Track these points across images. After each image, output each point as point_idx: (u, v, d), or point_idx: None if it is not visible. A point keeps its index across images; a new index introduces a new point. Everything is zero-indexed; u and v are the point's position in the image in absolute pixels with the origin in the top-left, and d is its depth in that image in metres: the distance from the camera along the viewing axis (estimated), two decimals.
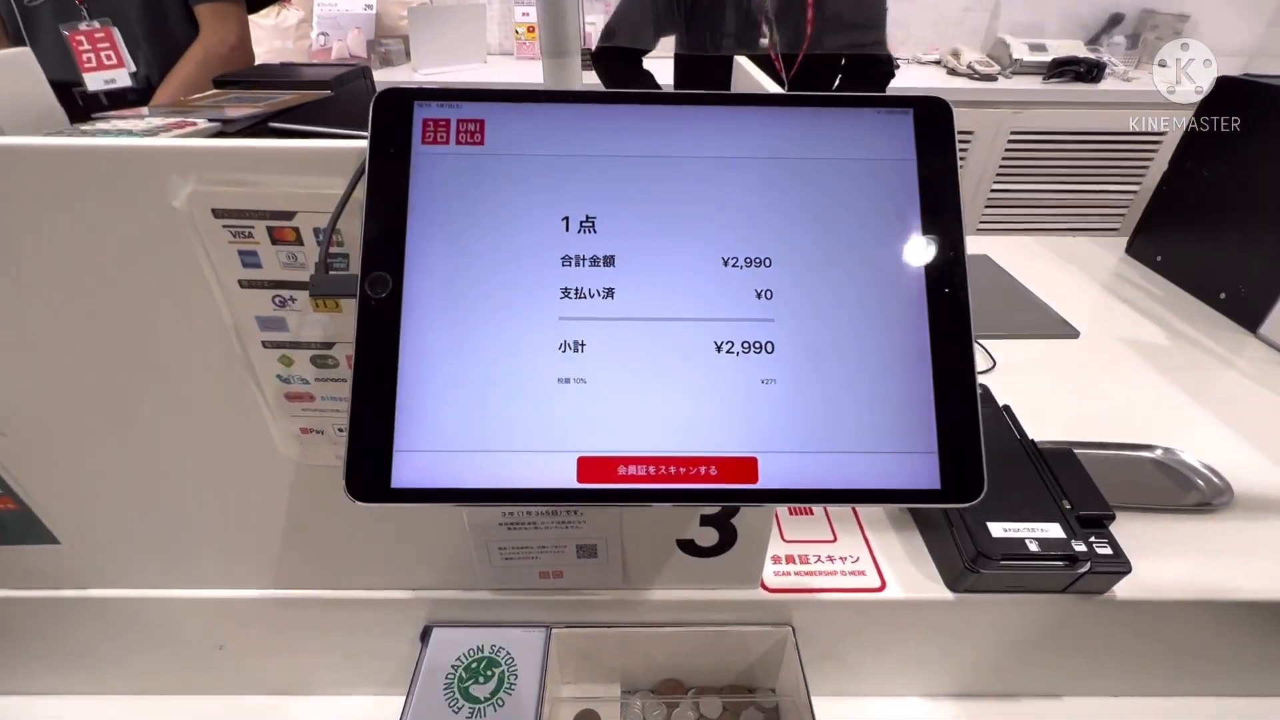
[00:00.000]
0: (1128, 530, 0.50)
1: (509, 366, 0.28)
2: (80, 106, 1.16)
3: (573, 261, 0.29)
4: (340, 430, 0.40)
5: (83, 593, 0.51)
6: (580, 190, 0.29)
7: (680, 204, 0.29)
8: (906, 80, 2.01)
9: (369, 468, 0.27)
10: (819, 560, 0.54)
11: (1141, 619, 0.51)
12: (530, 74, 2.01)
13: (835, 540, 0.55)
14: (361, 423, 0.27)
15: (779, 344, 0.28)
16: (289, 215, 0.33)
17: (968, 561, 0.49)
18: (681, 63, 1.46)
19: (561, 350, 0.28)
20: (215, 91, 0.74)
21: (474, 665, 0.50)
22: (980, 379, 0.57)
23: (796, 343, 0.28)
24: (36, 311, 0.36)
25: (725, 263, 0.29)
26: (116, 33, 1.17)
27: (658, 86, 1.46)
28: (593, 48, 1.44)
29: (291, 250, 0.34)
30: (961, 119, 0.30)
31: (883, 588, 0.51)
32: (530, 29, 2.29)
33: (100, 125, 0.54)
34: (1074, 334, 0.87)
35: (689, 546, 0.48)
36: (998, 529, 0.50)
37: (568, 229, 0.29)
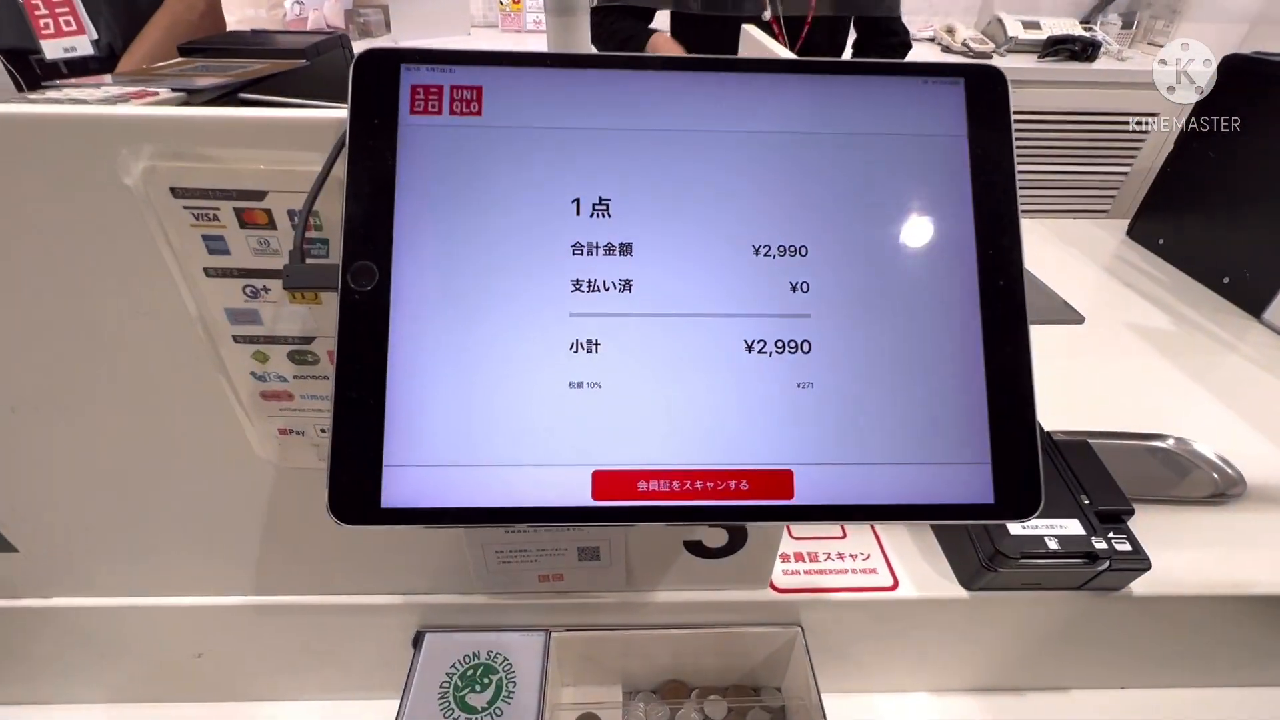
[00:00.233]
0: (1142, 523, 0.49)
1: (513, 369, 0.25)
2: (39, 76, 1.09)
3: (585, 250, 0.25)
4: (323, 431, 0.37)
5: (46, 602, 0.47)
6: (593, 168, 0.26)
7: (706, 185, 0.26)
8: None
9: (355, 485, 0.24)
10: (829, 558, 0.52)
11: (1157, 614, 0.51)
12: (516, 47, 1.94)
13: (845, 537, 0.53)
14: (346, 434, 0.24)
15: (816, 343, 0.25)
16: (259, 195, 0.29)
17: (985, 560, 0.47)
18: (680, 28, 1.37)
19: (573, 351, 0.25)
20: (180, 60, 0.69)
21: (470, 673, 0.47)
22: None
23: (836, 341, 0.25)
24: None
25: (756, 251, 0.25)
26: None
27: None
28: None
29: (263, 235, 0.30)
30: None
31: (895, 586, 0.50)
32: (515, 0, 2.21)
33: (50, 94, 0.49)
34: (1079, 319, 0.85)
35: (696, 547, 0.46)
36: (1015, 526, 0.48)
37: (579, 212, 0.25)
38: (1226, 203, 0.92)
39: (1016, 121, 0.26)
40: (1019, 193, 0.25)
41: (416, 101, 0.26)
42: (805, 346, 0.25)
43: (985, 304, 0.25)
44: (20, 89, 0.54)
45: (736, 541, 0.45)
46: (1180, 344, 0.82)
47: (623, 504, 0.24)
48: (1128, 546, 0.48)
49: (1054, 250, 1.05)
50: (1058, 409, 0.60)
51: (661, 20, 1.36)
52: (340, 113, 0.26)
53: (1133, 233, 1.07)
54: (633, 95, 0.26)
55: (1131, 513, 0.50)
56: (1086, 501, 0.50)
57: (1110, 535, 0.48)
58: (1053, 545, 0.47)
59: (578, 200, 0.26)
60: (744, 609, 0.50)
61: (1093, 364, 0.78)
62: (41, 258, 0.30)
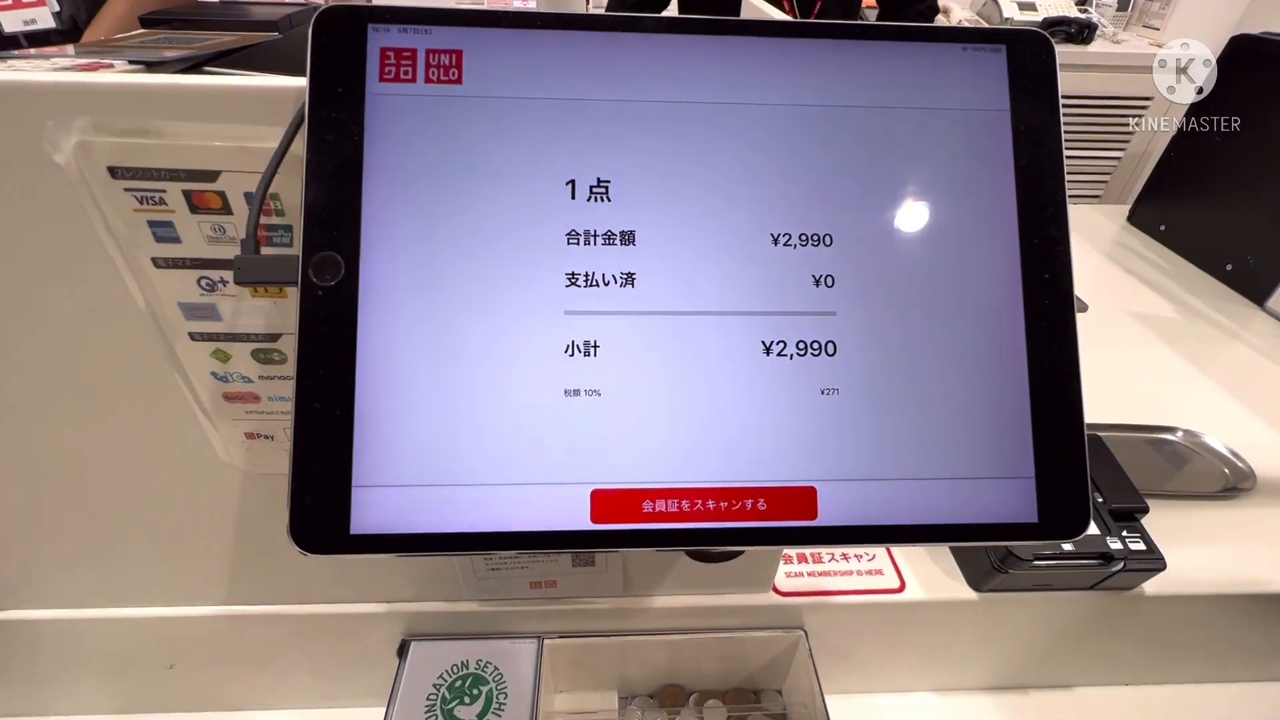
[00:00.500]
0: (1152, 519, 0.48)
1: (500, 376, 0.22)
2: None
3: (581, 238, 0.22)
4: None
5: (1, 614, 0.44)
6: (589, 145, 0.22)
7: (718, 165, 0.23)
8: None
9: (320, 509, 0.21)
10: (833, 559, 0.50)
11: (1169, 612, 0.49)
12: (503, 8, 1.87)
13: None
14: (309, 450, 0.21)
15: (842, 344, 0.22)
16: (211, 176, 0.26)
17: (996, 562, 0.45)
18: (688, 7, 1.30)
19: (569, 354, 0.22)
20: (142, 31, 0.64)
21: (458, 684, 0.45)
22: None
23: (864, 342, 0.22)
24: None
25: (775, 240, 0.23)
26: None
27: None
28: None
29: (218, 220, 0.27)
30: None
31: (902, 588, 0.48)
32: None
33: None
34: (1083, 307, 0.84)
35: (697, 553, 0.43)
36: None
37: (574, 196, 0.22)
38: (1230, 188, 0.90)
39: None
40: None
41: (386, 67, 0.22)
42: (830, 348, 0.22)
43: (1029, 300, 0.23)
44: None
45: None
46: (1184, 333, 0.80)
47: (625, 527, 0.21)
48: (1142, 546, 0.46)
49: None
50: None
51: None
52: (299, 82, 0.23)
53: (1134, 218, 1.05)
54: (635, 62, 0.23)
55: (1145, 511, 0.48)
56: (1100, 500, 0.48)
57: (1125, 534, 0.47)
58: (1066, 546, 0.45)
59: (573, 182, 0.22)
60: (745, 613, 0.48)
61: (1098, 353, 0.76)
62: None
